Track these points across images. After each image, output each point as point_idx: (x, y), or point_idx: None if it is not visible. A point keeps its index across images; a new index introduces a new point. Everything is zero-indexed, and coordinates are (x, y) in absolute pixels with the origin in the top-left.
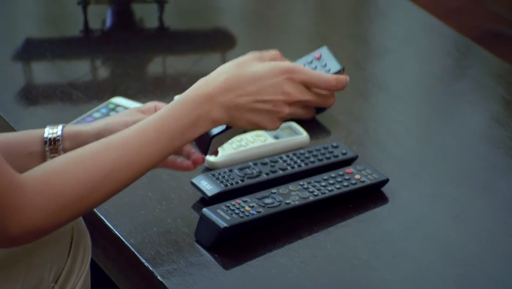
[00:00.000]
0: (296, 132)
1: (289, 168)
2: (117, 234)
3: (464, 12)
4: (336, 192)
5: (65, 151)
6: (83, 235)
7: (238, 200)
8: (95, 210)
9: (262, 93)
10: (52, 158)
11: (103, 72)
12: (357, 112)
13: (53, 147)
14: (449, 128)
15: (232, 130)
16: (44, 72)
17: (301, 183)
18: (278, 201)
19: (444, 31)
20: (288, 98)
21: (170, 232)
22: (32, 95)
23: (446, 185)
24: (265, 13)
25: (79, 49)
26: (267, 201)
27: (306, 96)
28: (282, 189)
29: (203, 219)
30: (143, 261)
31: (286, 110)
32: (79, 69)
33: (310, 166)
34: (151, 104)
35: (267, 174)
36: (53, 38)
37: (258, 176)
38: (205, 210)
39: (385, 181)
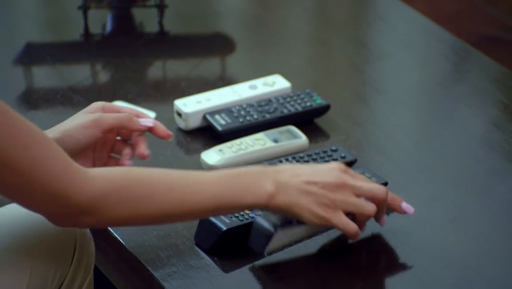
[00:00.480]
0: (295, 136)
1: None
2: (117, 237)
3: (462, 17)
4: None
5: None
6: (87, 242)
7: None
8: None
9: (315, 175)
10: None
11: (104, 76)
12: (356, 116)
13: None
14: (447, 132)
15: (295, 229)
16: (44, 76)
17: None
18: None
19: (443, 35)
20: (339, 181)
21: (170, 235)
22: (32, 99)
23: (445, 188)
24: (265, 17)
25: (80, 54)
26: None
27: (356, 183)
28: None
29: (203, 222)
30: (143, 264)
31: (334, 195)
32: (80, 73)
33: None
34: (98, 104)
35: None
36: (53, 42)
37: None
38: None
39: (384, 184)
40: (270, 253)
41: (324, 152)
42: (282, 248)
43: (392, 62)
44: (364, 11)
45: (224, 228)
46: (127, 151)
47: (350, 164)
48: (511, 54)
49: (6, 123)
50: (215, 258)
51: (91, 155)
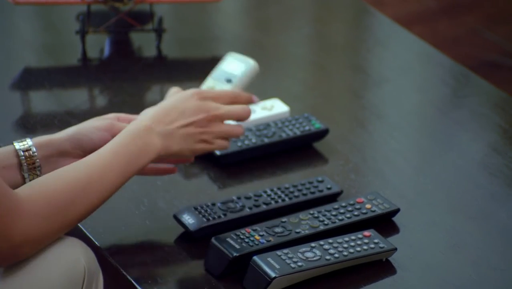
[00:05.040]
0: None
1: (273, 202)
2: (118, 266)
3: (461, 42)
4: (346, 221)
5: (40, 159)
6: (96, 275)
7: (248, 229)
8: (96, 241)
9: (185, 116)
10: (29, 166)
11: (101, 101)
12: (354, 141)
13: (28, 154)
14: (447, 156)
15: (294, 275)
16: (42, 101)
17: (311, 212)
18: (288, 230)
19: (442, 60)
20: (208, 116)
21: (168, 260)
22: (30, 124)
23: (444, 213)
24: (263, 42)
25: (78, 78)
26: (277, 230)
27: (221, 110)
28: (292, 218)
29: (213, 248)
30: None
31: (210, 129)
32: (77, 98)
33: (294, 200)
34: (113, 114)
35: (250, 208)
36: (51, 67)
37: (241, 210)
38: (214, 239)
39: (396, 211)
40: None
41: (310, 182)
42: None
43: (391, 87)
44: (363, 37)
45: (235, 254)
46: None
47: (336, 196)
48: (510, 79)
49: None
50: (216, 284)
51: None
